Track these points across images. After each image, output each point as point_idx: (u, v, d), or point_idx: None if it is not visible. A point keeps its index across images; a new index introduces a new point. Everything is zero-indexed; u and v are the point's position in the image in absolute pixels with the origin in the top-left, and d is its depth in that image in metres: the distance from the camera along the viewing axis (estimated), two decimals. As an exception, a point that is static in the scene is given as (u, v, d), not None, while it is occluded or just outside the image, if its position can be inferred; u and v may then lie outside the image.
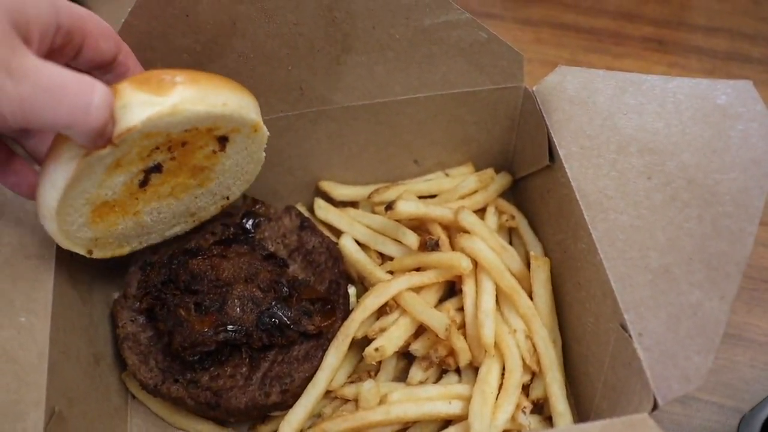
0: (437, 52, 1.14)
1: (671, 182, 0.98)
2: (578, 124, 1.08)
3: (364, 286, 1.19)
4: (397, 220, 1.18)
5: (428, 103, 1.19)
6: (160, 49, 1.07)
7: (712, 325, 0.90)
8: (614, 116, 1.06)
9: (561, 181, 1.09)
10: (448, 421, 1.09)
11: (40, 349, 0.94)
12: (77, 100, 0.78)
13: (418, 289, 1.13)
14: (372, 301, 1.10)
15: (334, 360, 1.07)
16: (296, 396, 1.07)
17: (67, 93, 0.78)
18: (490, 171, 1.24)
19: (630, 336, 0.92)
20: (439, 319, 1.07)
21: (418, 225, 1.19)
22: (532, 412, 1.08)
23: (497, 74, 1.16)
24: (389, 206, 1.12)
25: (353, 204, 1.28)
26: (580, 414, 1.08)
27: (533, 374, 1.10)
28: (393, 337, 1.08)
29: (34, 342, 0.95)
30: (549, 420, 1.08)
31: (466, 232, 1.14)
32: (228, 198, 1.16)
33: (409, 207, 1.13)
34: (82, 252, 1.04)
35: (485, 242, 1.12)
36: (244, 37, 1.09)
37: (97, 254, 1.07)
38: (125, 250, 1.12)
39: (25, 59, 0.77)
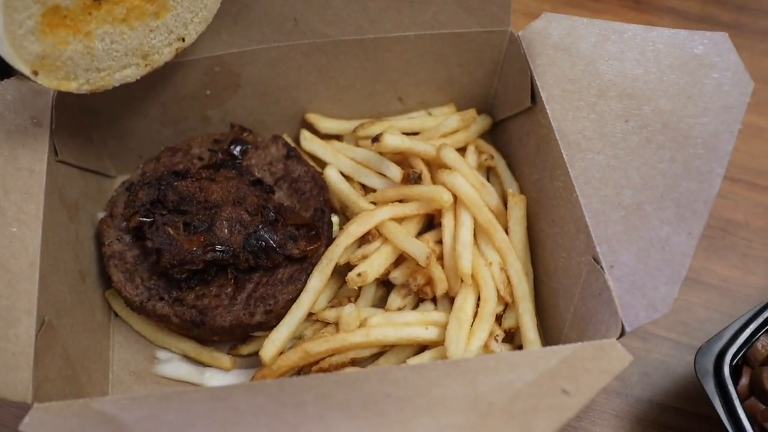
0: (429, -7, 1.17)
1: (647, 125, 1.04)
2: (561, 69, 1.12)
3: (347, 217, 1.23)
4: (381, 153, 1.21)
5: (417, 41, 1.22)
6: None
7: (679, 258, 0.96)
8: (596, 62, 1.10)
9: (541, 123, 1.13)
10: (424, 346, 1.14)
11: (32, 259, 0.96)
12: None
13: (399, 220, 1.17)
14: (356, 228, 1.13)
15: (317, 283, 1.11)
16: (279, 317, 1.11)
17: None
18: (471, 111, 1.28)
19: (602, 268, 0.97)
20: (420, 248, 1.11)
21: (401, 159, 1.23)
22: (504, 340, 1.14)
23: (485, 17, 1.20)
24: (376, 138, 1.16)
25: (338, 137, 1.31)
26: (549, 343, 1.14)
27: (506, 305, 1.16)
28: (375, 263, 1.12)
29: (26, 252, 0.96)
30: (520, 348, 1.14)
31: (447, 168, 1.18)
32: (183, 40, 1.12)
33: (394, 140, 1.16)
34: (26, 71, 0.99)
35: (465, 178, 1.17)
36: (240, -35, 1.11)
37: (43, 79, 1.01)
38: (72, 85, 1.06)
39: None
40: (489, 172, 1.30)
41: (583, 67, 1.11)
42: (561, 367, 0.88)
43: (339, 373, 1.07)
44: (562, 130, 1.08)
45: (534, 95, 1.16)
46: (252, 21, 1.15)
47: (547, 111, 1.11)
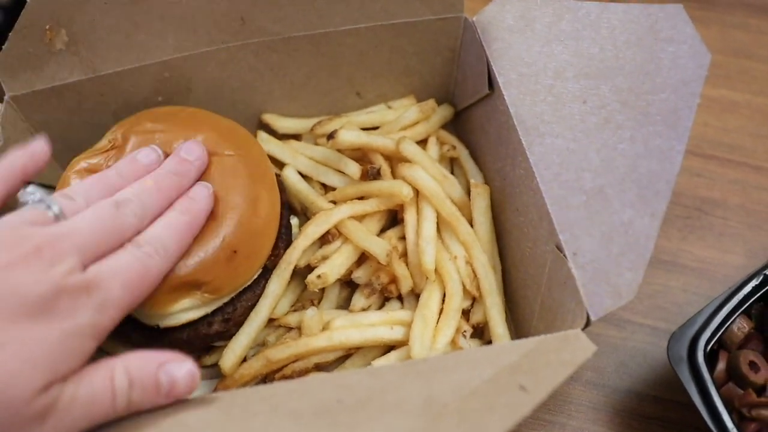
0: (375, -18, 1.14)
1: (605, 105, 1.00)
2: (517, 52, 1.09)
3: (307, 217, 1.20)
4: (339, 151, 1.18)
5: (369, 33, 1.18)
6: None
7: (643, 241, 0.93)
8: (551, 43, 1.07)
9: (500, 109, 1.10)
10: (390, 347, 1.10)
11: None
12: None
13: (360, 218, 1.14)
14: (314, 229, 1.10)
15: (276, 287, 1.08)
16: (239, 324, 1.07)
17: None
18: (431, 102, 1.24)
19: (565, 256, 0.94)
20: (380, 246, 1.08)
21: (361, 156, 1.19)
22: (473, 336, 1.10)
23: (437, 4, 1.16)
24: (331, 135, 1.12)
25: (296, 137, 1.28)
26: (519, 337, 1.10)
27: (474, 300, 1.12)
28: (335, 264, 1.09)
29: None
30: (489, 344, 1.10)
31: (408, 161, 1.15)
32: None
33: (350, 136, 1.13)
34: None
35: (426, 171, 1.13)
36: (181, -34, 1.08)
37: None
38: None
39: None
40: (453, 164, 1.26)
41: (539, 48, 1.08)
42: (522, 362, 0.85)
43: (294, 380, 1.04)
44: (520, 116, 1.05)
45: (491, 81, 1.13)
46: (198, 23, 1.11)
47: (505, 97, 1.07)
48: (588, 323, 0.89)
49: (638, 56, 1.00)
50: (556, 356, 0.86)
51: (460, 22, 1.19)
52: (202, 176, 1.03)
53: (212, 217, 1.01)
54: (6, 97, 1.12)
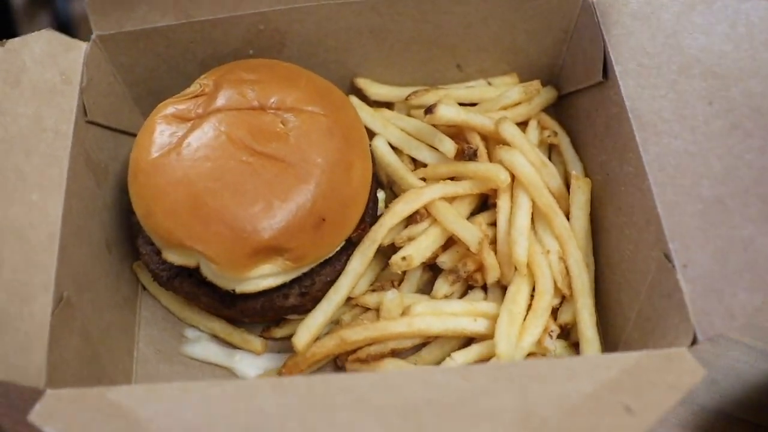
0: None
1: (734, 109, 0.92)
2: (639, 41, 1.01)
3: (394, 192, 1.15)
4: (434, 125, 1.12)
5: (480, 4, 1.11)
6: None
7: (763, 261, 0.86)
8: (679, 35, 0.99)
9: (613, 99, 1.03)
10: (470, 339, 1.05)
11: (51, 230, 0.89)
12: None
13: (450, 200, 1.08)
14: (402, 207, 1.05)
15: (358, 265, 1.03)
16: (316, 300, 1.03)
17: None
18: (536, 83, 1.17)
19: (674, 266, 0.87)
20: (471, 232, 1.02)
21: (456, 133, 1.13)
22: (559, 336, 1.05)
23: (556, -20, 1.09)
24: (429, 109, 1.06)
25: (388, 105, 1.22)
26: (608, 343, 1.04)
27: (563, 298, 1.06)
28: (421, 246, 1.04)
29: (46, 221, 0.90)
30: (575, 346, 1.05)
31: (506, 144, 1.08)
32: None
33: (449, 112, 1.07)
34: None
35: (525, 156, 1.07)
36: None
37: None
38: None
39: None
40: (551, 151, 1.19)
41: (663, 39, 1.00)
42: (623, 378, 0.79)
43: (377, 373, 0.99)
44: (636, 109, 0.98)
45: (606, 69, 1.05)
46: (299, -25, 1.06)
47: (621, 87, 1.00)
48: (694, 342, 0.83)
49: (778, 59, 0.92)
50: (661, 377, 0.80)
51: (579, 2, 1.11)
52: (295, 133, 0.98)
53: (302, 177, 0.96)
54: (93, 36, 1.08)
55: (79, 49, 1.03)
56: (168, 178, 0.96)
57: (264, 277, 0.98)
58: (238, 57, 1.13)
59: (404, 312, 1.03)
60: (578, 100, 1.16)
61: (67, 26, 2.12)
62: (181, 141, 0.98)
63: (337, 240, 1.01)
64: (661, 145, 0.94)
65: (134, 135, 1.07)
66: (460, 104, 1.14)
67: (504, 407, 0.77)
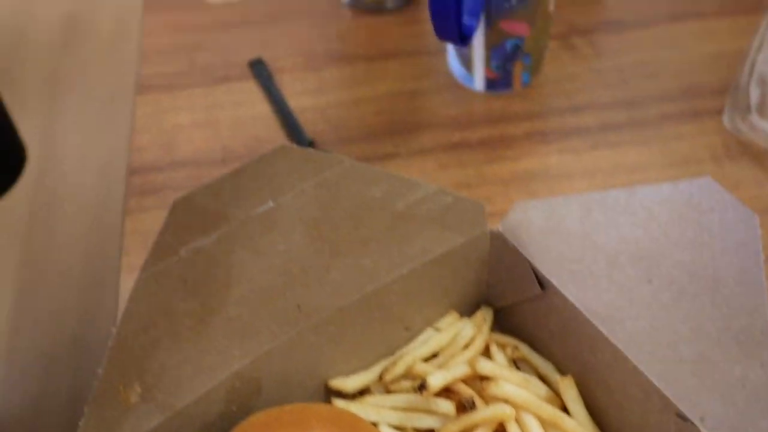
0: (413, 229, 1.17)
1: (674, 281, 1.09)
2: (558, 251, 1.16)
3: (416, 470, 1.20)
4: (420, 393, 1.19)
5: (412, 276, 1.22)
6: (162, 323, 1.02)
7: (763, 390, 1.02)
8: (591, 235, 1.15)
9: (560, 306, 1.15)
10: None
11: None
12: None
13: (473, 452, 1.16)
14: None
15: None
16: None
17: None
18: (480, 313, 1.28)
19: (692, 423, 1.00)
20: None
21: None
22: None
23: (465, 228, 1.22)
24: (421, 387, 1.14)
25: (365, 390, 1.28)
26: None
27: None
28: None
29: None
30: None
31: (486, 378, 1.18)
32: None
33: (438, 380, 1.15)
34: None
35: (510, 382, 1.17)
36: (240, 282, 1.06)
37: None
38: None
39: None
40: (515, 362, 1.31)
41: (579, 243, 1.15)
42: None
43: None
44: (589, 309, 1.10)
45: (540, 282, 1.19)
46: (259, 326, 1.11)
47: (565, 294, 1.13)
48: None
49: (687, 230, 1.10)
50: None
51: (487, 236, 1.24)
52: None
53: None
54: None
55: None
56: None
57: None
58: (225, 418, 1.15)
59: None
60: (519, 309, 1.28)
61: None
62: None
63: None
64: (627, 330, 1.09)
65: None
66: (424, 360, 1.23)
67: None
